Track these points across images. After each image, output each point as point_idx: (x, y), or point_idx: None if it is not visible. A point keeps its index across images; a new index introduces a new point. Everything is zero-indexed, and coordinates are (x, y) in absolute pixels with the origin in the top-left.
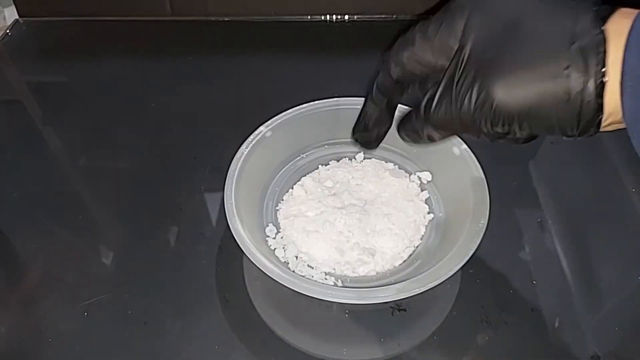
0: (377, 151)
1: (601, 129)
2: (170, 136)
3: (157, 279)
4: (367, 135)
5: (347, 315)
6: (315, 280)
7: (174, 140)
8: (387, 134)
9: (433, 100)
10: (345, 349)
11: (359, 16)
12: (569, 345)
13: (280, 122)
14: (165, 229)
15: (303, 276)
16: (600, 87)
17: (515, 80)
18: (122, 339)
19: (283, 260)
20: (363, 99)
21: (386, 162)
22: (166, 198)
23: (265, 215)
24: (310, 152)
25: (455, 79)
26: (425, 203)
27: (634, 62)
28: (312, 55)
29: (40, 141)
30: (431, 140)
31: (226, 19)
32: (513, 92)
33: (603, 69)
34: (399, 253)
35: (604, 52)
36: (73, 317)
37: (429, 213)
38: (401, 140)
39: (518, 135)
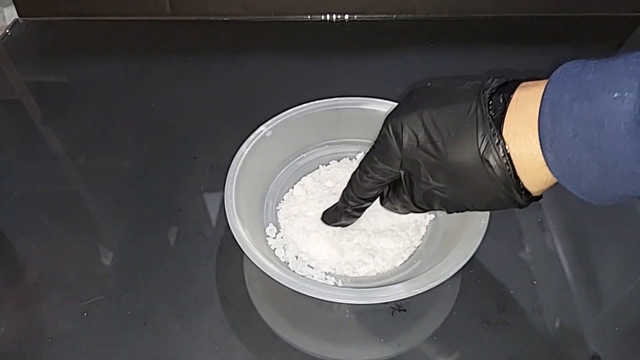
0: None
1: (543, 192)
2: (170, 136)
3: (157, 279)
4: (344, 225)
5: (347, 315)
6: (316, 280)
7: (174, 140)
8: None
9: (391, 200)
10: (345, 349)
11: (359, 16)
12: (569, 345)
13: (280, 122)
14: (165, 229)
15: (303, 276)
16: (513, 176)
17: (450, 187)
18: (122, 339)
19: (283, 260)
20: (364, 99)
21: None
22: (166, 198)
23: (266, 215)
24: (310, 151)
25: (409, 191)
26: None
27: (548, 124)
28: (312, 55)
29: (40, 141)
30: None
31: (226, 19)
32: (453, 196)
33: (509, 163)
34: (400, 253)
35: (509, 158)
36: (73, 317)
37: (430, 213)
38: None
39: (477, 209)
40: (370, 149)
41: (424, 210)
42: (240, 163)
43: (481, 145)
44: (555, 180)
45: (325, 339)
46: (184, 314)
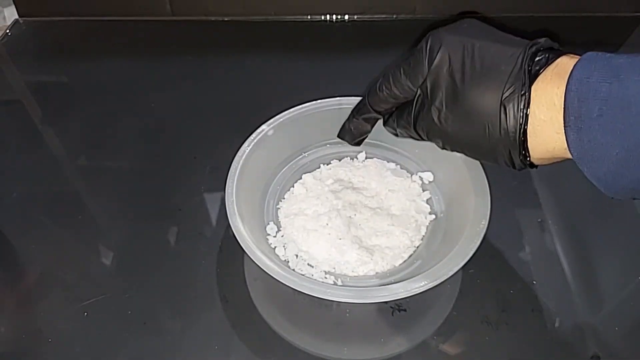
0: (379, 151)
1: (541, 164)
2: (170, 136)
3: (157, 279)
4: (354, 135)
5: (347, 314)
6: (315, 279)
7: (174, 140)
8: (389, 135)
9: (394, 119)
10: (345, 349)
11: (359, 16)
12: (569, 345)
13: (282, 121)
14: (165, 229)
15: (303, 275)
16: (522, 131)
17: (456, 125)
18: (122, 339)
19: (283, 259)
20: None
21: (388, 162)
22: (166, 198)
23: (266, 213)
24: (312, 151)
25: (414, 112)
26: (427, 203)
27: (574, 102)
28: (312, 55)
29: (40, 141)
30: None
31: (226, 19)
32: (456, 134)
33: (526, 117)
34: (400, 253)
35: (526, 112)
36: (73, 317)
37: (430, 213)
38: (403, 141)
39: (468, 155)
40: (400, 62)
41: (420, 138)
42: (241, 161)
43: (506, 90)
44: (558, 156)
45: (326, 338)
46: (184, 314)
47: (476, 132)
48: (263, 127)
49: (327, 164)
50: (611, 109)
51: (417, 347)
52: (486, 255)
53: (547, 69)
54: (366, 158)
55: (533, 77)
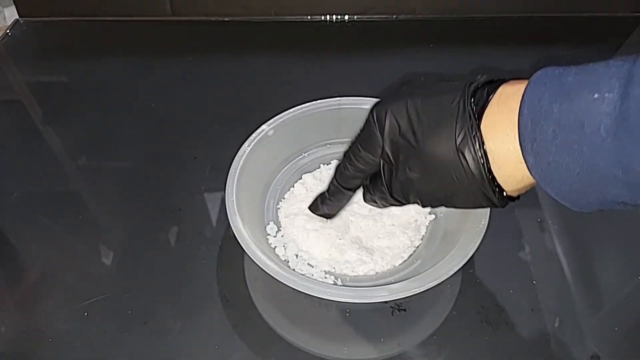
0: None
1: (520, 193)
2: (170, 136)
3: (157, 279)
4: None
5: (348, 314)
6: (315, 279)
7: (174, 140)
8: None
9: (371, 191)
10: (345, 348)
11: (359, 16)
12: (568, 345)
13: (282, 121)
14: (165, 229)
15: (303, 275)
16: (487, 170)
17: (426, 181)
18: (122, 339)
19: (283, 259)
20: (366, 98)
21: None
22: (166, 198)
23: (267, 213)
24: (312, 151)
25: (385, 181)
26: None
27: (528, 126)
28: (312, 55)
29: (40, 141)
30: (384, 206)
31: (226, 19)
32: (429, 188)
33: (484, 156)
34: (399, 253)
35: (484, 152)
36: (73, 317)
37: (430, 214)
38: None
39: (452, 206)
40: (355, 137)
41: (401, 204)
42: (241, 161)
43: (458, 136)
44: (531, 182)
45: (326, 338)
46: (184, 314)
47: (446, 183)
48: (263, 127)
49: (327, 164)
50: (565, 130)
51: (417, 347)
52: (486, 255)
53: (490, 102)
54: None
55: (479, 114)
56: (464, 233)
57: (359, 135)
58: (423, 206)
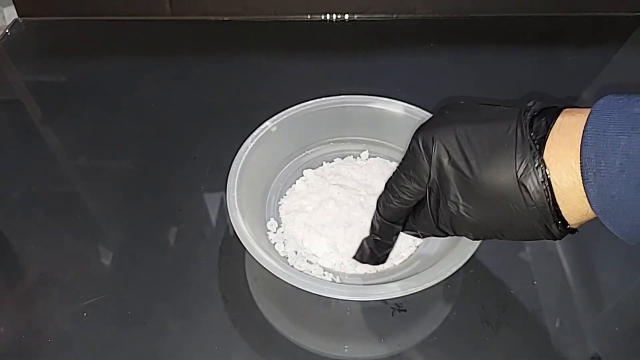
0: (382, 150)
1: (580, 225)
2: (170, 136)
3: (157, 279)
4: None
5: (348, 313)
6: (313, 276)
7: (174, 140)
8: (392, 134)
9: (413, 223)
10: (346, 348)
11: (359, 16)
12: (569, 345)
13: (286, 118)
14: (165, 229)
15: (302, 271)
16: (552, 202)
17: (478, 213)
18: (122, 339)
19: (282, 255)
20: (370, 97)
21: (391, 161)
22: (166, 198)
23: (267, 209)
24: (314, 148)
25: (430, 209)
26: None
27: (592, 157)
28: (312, 55)
29: (40, 141)
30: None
31: (226, 19)
32: (483, 221)
33: (549, 188)
34: (400, 252)
35: (549, 183)
36: (73, 317)
37: None
38: (406, 141)
39: (504, 238)
40: (397, 167)
41: (446, 235)
42: (244, 157)
43: (519, 167)
44: (595, 215)
45: (326, 337)
46: (184, 314)
47: (504, 215)
48: (267, 123)
49: (330, 162)
50: (633, 164)
51: (417, 347)
52: (486, 255)
53: (551, 134)
54: (369, 157)
55: (540, 145)
56: None
57: (401, 164)
58: (474, 238)
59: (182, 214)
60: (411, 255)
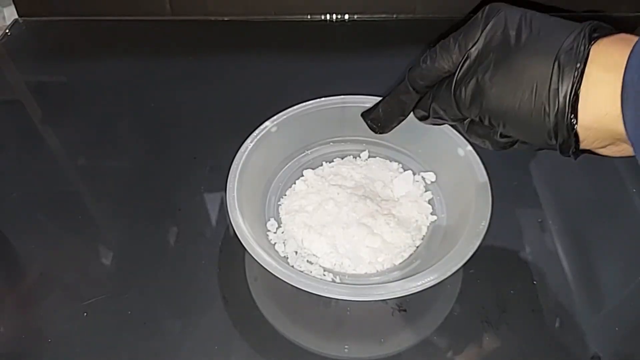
0: (382, 150)
1: (585, 142)
2: (170, 136)
3: (157, 279)
4: (381, 118)
5: (348, 313)
6: (313, 276)
7: (174, 140)
8: (392, 134)
9: (436, 92)
10: (346, 348)
11: (359, 16)
12: (569, 345)
13: (285, 118)
14: (165, 229)
15: (301, 271)
16: (574, 99)
17: (502, 89)
18: (122, 339)
19: (282, 255)
20: (370, 97)
21: (391, 161)
22: (166, 198)
23: (267, 209)
24: (314, 148)
25: (458, 75)
26: (429, 203)
27: (635, 78)
28: (312, 55)
29: (40, 141)
30: (433, 121)
31: (226, 19)
32: (501, 95)
33: (576, 88)
34: (400, 252)
35: (582, 69)
36: (73, 317)
37: (431, 214)
38: (406, 141)
39: (500, 134)
40: (451, 35)
41: (455, 111)
42: (244, 157)
43: (564, 48)
44: (606, 130)
45: (326, 337)
46: (184, 314)
47: (522, 93)
48: (266, 123)
49: (330, 162)
50: None
51: (417, 347)
52: (486, 255)
53: (608, 37)
54: (369, 157)
55: (593, 41)
56: (464, 233)
57: (456, 32)
58: (477, 116)
59: (182, 214)
60: (411, 255)
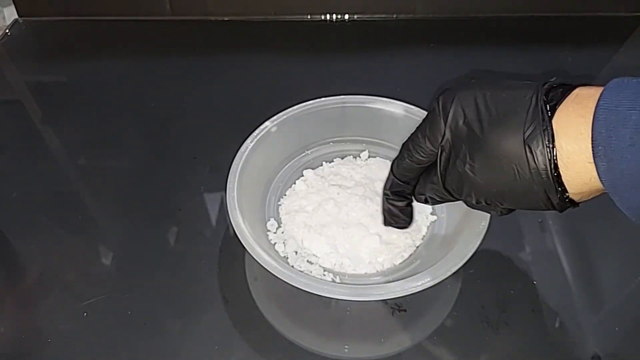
0: (382, 150)
1: (582, 200)
2: (170, 136)
3: (157, 279)
4: (395, 216)
5: (348, 313)
6: (313, 276)
7: (174, 140)
8: (392, 134)
9: (423, 185)
10: (346, 348)
11: (359, 16)
12: (569, 345)
13: (285, 118)
14: (165, 229)
15: (301, 271)
16: (554, 166)
17: (485, 173)
18: (122, 339)
19: (282, 255)
20: (370, 97)
21: (390, 161)
22: (166, 198)
23: (267, 209)
24: (315, 148)
25: (440, 171)
26: None
27: (602, 131)
28: (312, 55)
29: (40, 141)
30: (434, 202)
31: (226, 19)
32: (487, 182)
33: (553, 152)
34: (400, 252)
35: (552, 146)
36: (73, 317)
37: (431, 214)
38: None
39: (501, 207)
40: (417, 128)
41: (451, 198)
42: (244, 157)
43: (527, 129)
44: (595, 188)
45: (326, 337)
46: (184, 314)
47: (506, 177)
48: (266, 123)
49: (330, 162)
50: None
51: (417, 346)
52: (486, 255)
53: (565, 101)
54: (369, 157)
55: (551, 111)
56: (465, 233)
57: (420, 124)
58: (475, 203)
59: (182, 214)
60: (411, 255)
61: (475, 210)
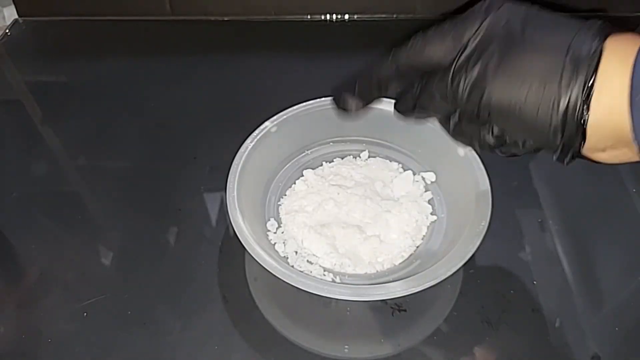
0: (382, 150)
1: (595, 156)
2: (170, 136)
3: (157, 279)
4: (355, 103)
5: (348, 313)
6: (313, 276)
7: (174, 140)
8: (392, 134)
9: (428, 84)
10: (346, 348)
11: (359, 16)
12: (569, 345)
13: (285, 118)
14: (165, 229)
15: (301, 271)
16: (586, 96)
17: (508, 80)
18: (122, 339)
19: (282, 255)
20: None
21: (391, 161)
22: (166, 198)
23: (267, 209)
24: (314, 148)
25: (456, 63)
26: (429, 203)
27: None
28: (312, 55)
29: (40, 141)
30: (418, 116)
31: (226, 19)
32: (505, 87)
33: (591, 81)
34: (400, 252)
35: (597, 63)
36: (73, 317)
37: (431, 214)
38: (406, 141)
39: (498, 127)
40: (445, 21)
41: (447, 104)
42: (244, 157)
43: (573, 44)
44: (616, 130)
45: (326, 337)
46: (184, 314)
47: (529, 85)
48: (266, 123)
49: (330, 162)
50: None
51: (417, 347)
52: (487, 255)
53: (618, 34)
54: (369, 157)
55: (605, 35)
56: (465, 233)
57: (451, 20)
58: (475, 114)
59: (182, 214)
60: (411, 255)
61: (475, 209)
